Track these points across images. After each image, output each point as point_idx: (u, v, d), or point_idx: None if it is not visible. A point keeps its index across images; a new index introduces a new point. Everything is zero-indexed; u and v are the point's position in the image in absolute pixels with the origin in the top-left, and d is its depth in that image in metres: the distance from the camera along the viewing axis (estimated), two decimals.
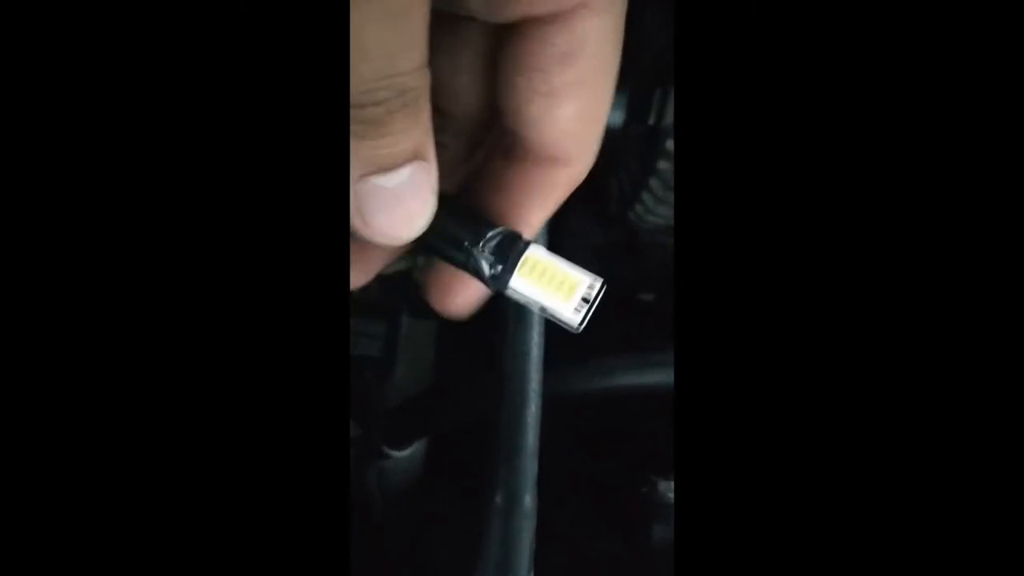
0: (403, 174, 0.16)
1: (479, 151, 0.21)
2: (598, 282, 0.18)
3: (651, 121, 0.36)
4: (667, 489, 0.35)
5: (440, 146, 0.21)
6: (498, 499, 0.23)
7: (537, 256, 0.18)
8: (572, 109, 0.18)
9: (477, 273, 0.18)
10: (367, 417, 0.48)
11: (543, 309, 0.18)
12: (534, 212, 0.20)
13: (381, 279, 0.52)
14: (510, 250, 0.18)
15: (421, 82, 0.16)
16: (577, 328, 0.18)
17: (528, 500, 0.23)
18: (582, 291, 0.18)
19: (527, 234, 0.20)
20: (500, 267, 0.18)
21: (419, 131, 0.16)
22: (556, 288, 0.18)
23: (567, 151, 0.19)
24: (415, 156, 0.16)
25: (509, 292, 0.18)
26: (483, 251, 0.18)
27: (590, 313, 0.18)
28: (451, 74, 0.20)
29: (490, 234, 0.18)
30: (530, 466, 0.23)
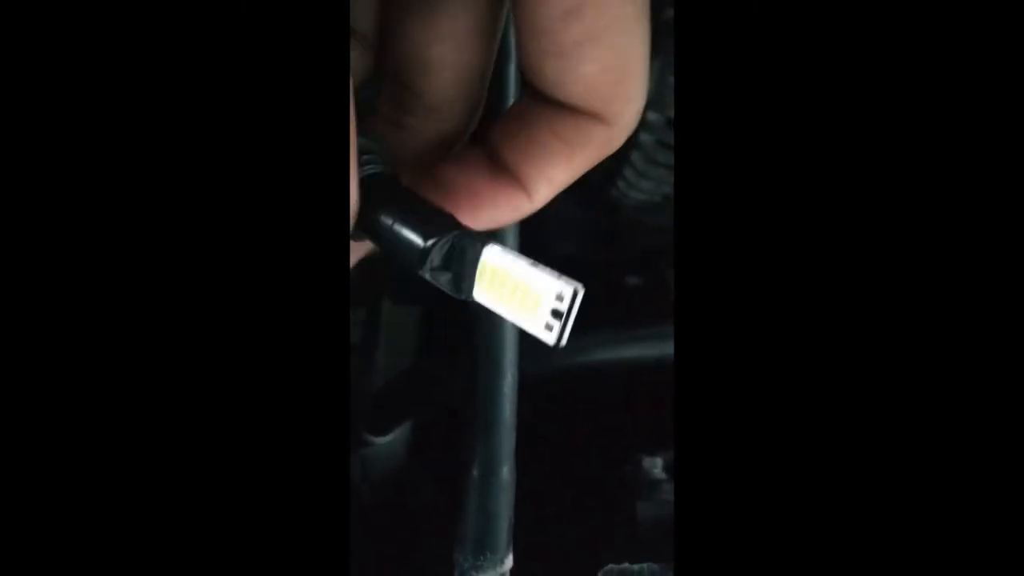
0: None
1: (449, 133, 0.19)
2: (569, 288, 0.14)
3: None
4: (651, 466, 0.34)
5: (402, 129, 0.19)
6: (475, 472, 0.22)
7: (494, 263, 0.15)
8: (591, 67, 0.16)
9: (434, 281, 0.16)
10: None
11: (514, 323, 0.15)
12: (558, 167, 0.18)
13: (361, 266, 0.51)
14: (465, 256, 0.15)
15: None
16: (557, 344, 0.14)
17: (505, 472, 0.22)
18: (550, 304, 0.14)
19: (542, 192, 0.18)
20: (458, 278, 0.16)
21: None
22: (521, 301, 0.15)
23: (599, 109, 0.17)
24: None
25: (477, 299, 0.16)
26: (432, 258, 0.16)
27: (568, 323, 0.14)
28: (424, 45, 0.18)
29: (438, 240, 0.16)
30: (507, 438, 0.23)
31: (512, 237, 0.25)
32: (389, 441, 0.45)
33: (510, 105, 0.19)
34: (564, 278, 0.14)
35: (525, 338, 0.25)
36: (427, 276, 0.16)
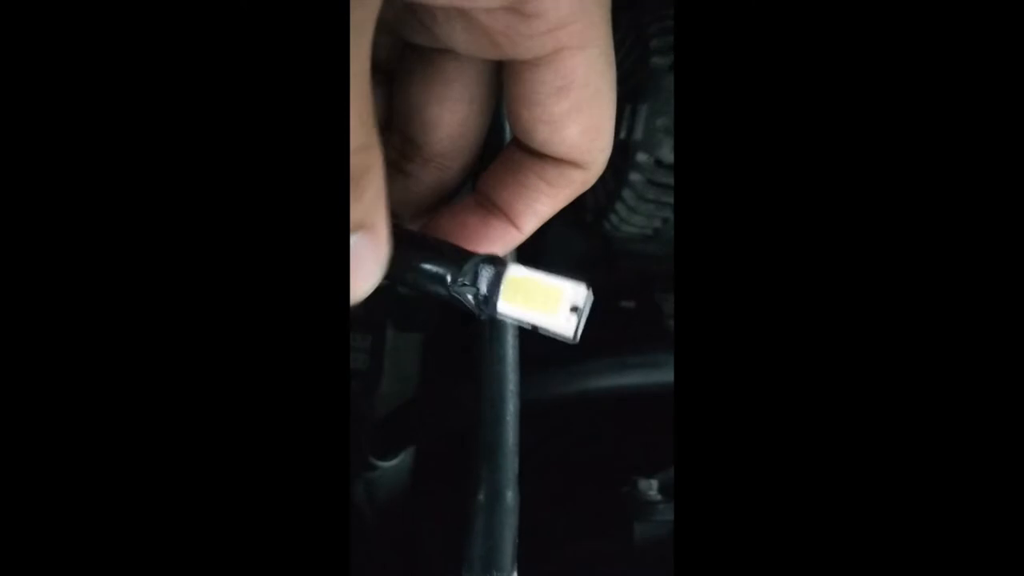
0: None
1: (448, 179, 0.22)
2: (582, 287, 0.18)
3: (622, 136, 0.38)
4: (647, 488, 0.36)
5: (406, 175, 0.22)
6: (480, 496, 0.24)
7: (517, 275, 0.18)
8: (575, 131, 0.19)
9: (463, 305, 0.19)
10: (354, 429, 0.48)
11: (535, 327, 0.18)
12: (544, 203, 0.21)
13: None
14: (490, 275, 0.18)
15: (365, 161, 0.16)
16: (574, 339, 0.18)
17: (510, 496, 0.24)
18: (568, 301, 0.18)
19: (530, 224, 0.21)
20: (484, 296, 0.18)
21: (363, 205, 0.17)
22: (542, 303, 0.18)
23: (579, 159, 0.20)
24: (358, 226, 0.17)
25: (500, 316, 0.19)
26: (464, 284, 0.18)
27: (583, 319, 0.18)
28: (423, 104, 0.21)
29: (466, 266, 0.19)
30: (511, 463, 0.24)
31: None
32: (394, 465, 0.47)
33: (498, 155, 0.22)
34: (576, 282, 0.18)
35: (525, 369, 0.27)
36: (457, 297, 0.19)
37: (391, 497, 0.48)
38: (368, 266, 0.18)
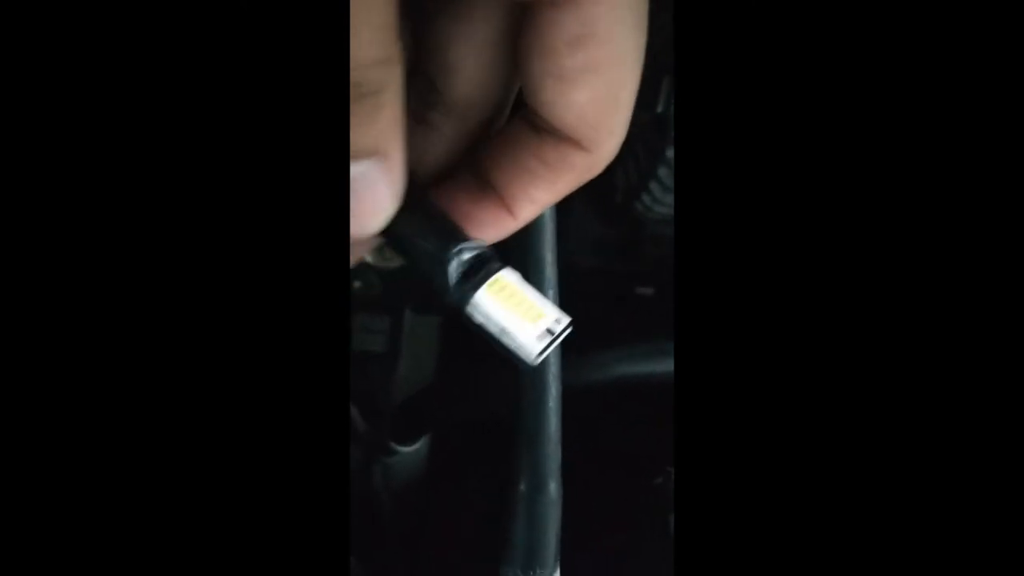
0: (358, 168, 0.16)
1: (470, 133, 0.20)
2: (565, 319, 0.17)
3: (659, 109, 0.36)
4: None
5: (427, 125, 0.20)
6: (522, 487, 0.23)
7: (508, 279, 0.17)
8: (586, 95, 0.17)
9: (440, 282, 0.17)
10: (372, 413, 0.47)
11: (502, 332, 0.17)
12: (542, 189, 0.19)
13: (383, 274, 0.51)
14: (481, 268, 0.17)
15: (381, 77, 0.15)
16: (533, 360, 0.17)
17: (553, 488, 0.23)
18: (548, 322, 0.17)
19: (526, 211, 0.19)
20: (467, 282, 0.17)
21: (378, 127, 0.16)
22: (521, 313, 0.17)
23: (584, 136, 0.18)
24: (371, 152, 0.16)
25: (469, 309, 0.17)
26: (452, 261, 0.17)
27: (549, 349, 0.17)
28: (446, 46, 0.19)
29: (463, 246, 0.17)
30: (553, 453, 0.23)
31: (549, 249, 0.25)
32: (414, 450, 0.46)
33: (499, 128, 0.20)
34: (563, 313, 0.17)
35: (565, 354, 0.25)
36: (437, 269, 0.17)
37: (410, 482, 0.47)
38: (379, 196, 0.16)
